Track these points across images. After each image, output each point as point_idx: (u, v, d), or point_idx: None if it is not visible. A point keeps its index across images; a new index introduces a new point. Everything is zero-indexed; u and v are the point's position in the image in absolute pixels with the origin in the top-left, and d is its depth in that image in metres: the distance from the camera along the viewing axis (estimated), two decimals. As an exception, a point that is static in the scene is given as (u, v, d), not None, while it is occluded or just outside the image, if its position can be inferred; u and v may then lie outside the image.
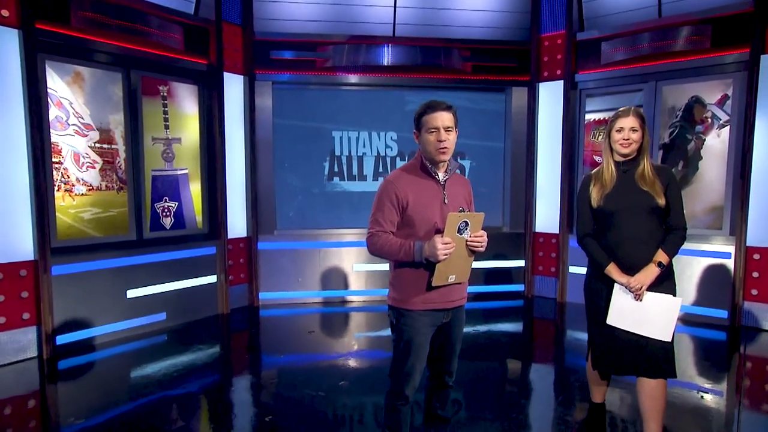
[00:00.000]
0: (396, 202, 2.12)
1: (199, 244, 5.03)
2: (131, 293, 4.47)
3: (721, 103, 4.72)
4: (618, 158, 2.46)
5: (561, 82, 5.58)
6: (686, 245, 4.80)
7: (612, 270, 2.43)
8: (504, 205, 6.02)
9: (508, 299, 5.82)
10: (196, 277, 5.01)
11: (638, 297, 2.39)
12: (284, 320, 5.21)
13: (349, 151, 5.76)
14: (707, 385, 3.52)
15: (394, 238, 2.14)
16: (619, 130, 2.40)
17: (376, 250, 2.17)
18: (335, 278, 5.69)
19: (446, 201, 2.17)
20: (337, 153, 5.74)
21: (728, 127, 4.69)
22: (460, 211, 2.18)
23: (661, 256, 2.36)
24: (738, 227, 4.61)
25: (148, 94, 4.57)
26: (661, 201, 2.37)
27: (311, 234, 5.64)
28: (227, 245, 5.22)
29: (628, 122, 2.38)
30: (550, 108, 5.71)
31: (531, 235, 5.91)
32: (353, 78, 5.61)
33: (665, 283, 2.42)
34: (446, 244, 2.02)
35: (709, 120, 4.79)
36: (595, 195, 2.47)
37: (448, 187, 2.21)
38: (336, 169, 5.76)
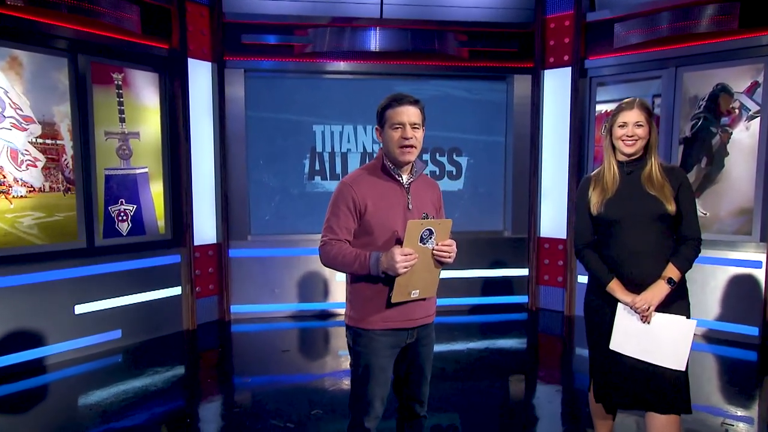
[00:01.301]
0: (353, 207, 2.03)
1: (161, 251, 4.75)
2: (80, 308, 4.18)
3: (750, 92, 4.45)
4: (621, 158, 2.27)
5: (569, 69, 5.31)
6: (711, 253, 4.65)
7: (615, 287, 2.24)
8: (505, 207, 5.75)
9: (510, 312, 5.55)
10: (158, 288, 4.73)
11: (645, 319, 2.21)
12: (257, 336, 4.95)
13: (332, 147, 5.49)
14: (734, 413, 3.29)
15: (349, 248, 2.02)
16: (622, 126, 2.23)
17: (329, 262, 2.04)
18: (316, 289, 5.42)
19: (410, 206, 2.07)
20: (319, 149, 5.47)
21: (758, 118, 4.42)
22: (424, 217, 2.03)
23: (671, 271, 2.18)
24: (770, 232, 4.34)
25: (100, 83, 4.30)
26: (671, 207, 2.18)
27: (290, 240, 5.37)
28: (194, 253, 4.94)
29: (632, 116, 2.20)
30: (556, 98, 5.44)
31: (535, 240, 5.63)
32: (336, 65, 5.33)
33: (677, 302, 2.23)
34: (406, 255, 1.89)
35: (737, 111, 4.52)
36: (594, 200, 2.28)
37: (414, 191, 2.10)
38: (317, 167, 5.49)
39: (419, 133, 2.03)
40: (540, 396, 3.69)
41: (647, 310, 2.18)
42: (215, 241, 5.20)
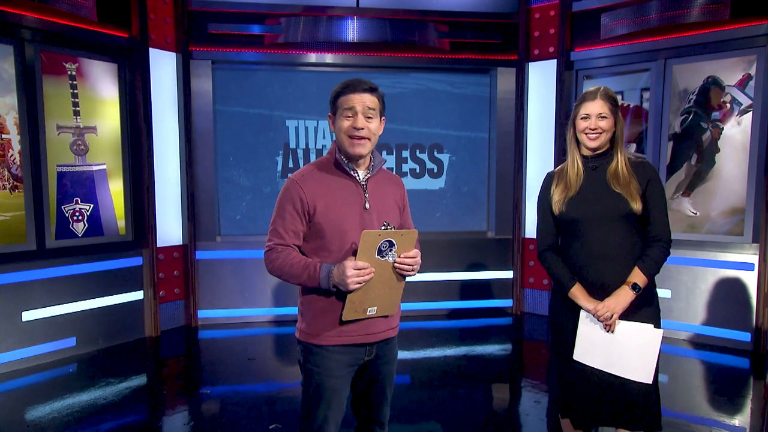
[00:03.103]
0: (300, 208, 1.84)
1: (121, 253, 4.53)
2: (28, 315, 3.95)
3: (742, 85, 4.30)
4: (586, 152, 2.15)
5: (554, 62, 5.14)
6: (701, 254, 4.50)
7: (577, 293, 2.11)
8: (489, 207, 5.57)
9: (493, 317, 5.37)
10: (118, 293, 4.51)
11: (609, 327, 2.08)
12: (225, 343, 4.74)
13: (307, 144, 5.29)
14: (724, 422, 3.17)
15: (298, 256, 1.83)
16: (585, 118, 2.11)
17: (274, 271, 1.85)
18: (289, 293, 5.21)
19: (368, 206, 1.87)
20: (292, 145, 5.27)
21: (751, 113, 4.27)
22: (384, 227, 1.81)
23: (636, 275, 2.06)
24: (762, 233, 4.18)
25: (51, 73, 4.07)
26: (637, 206, 2.04)
27: (262, 241, 5.07)
28: (157, 255, 4.73)
29: (595, 107, 2.08)
30: (541, 92, 5.27)
31: (520, 241, 5.45)
32: (310, 57, 5.14)
33: (644, 309, 2.10)
34: (359, 270, 1.73)
35: (728, 105, 4.37)
36: (556, 198, 2.16)
37: (372, 188, 1.90)
38: (291, 165, 5.28)
39: (374, 124, 1.85)
40: (522, 407, 3.52)
41: (610, 318, 2.06)
42: (181, 243, 4.98)
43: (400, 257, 1.79)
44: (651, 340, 2.05)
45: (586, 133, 2.10)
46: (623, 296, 2.04)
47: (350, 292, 1.75)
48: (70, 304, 4.20)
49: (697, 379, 3.96)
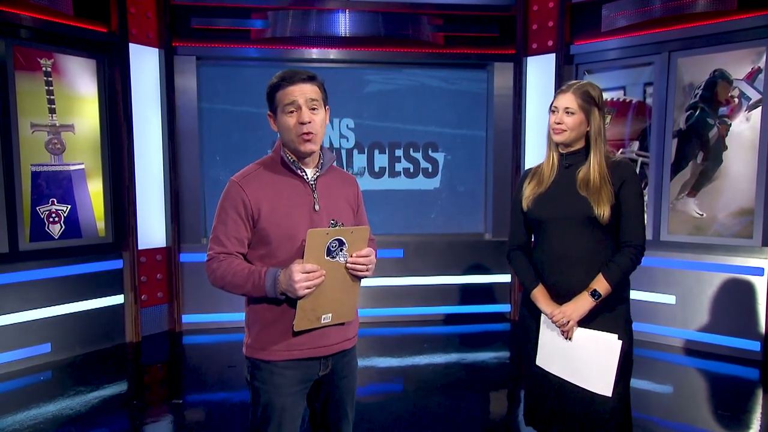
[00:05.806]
0: (243, 212, 1.71)
1: (100, 256, 4.39)
2: (-1, 320, 3.86)
3: (751, 78, 4.09)
4: (561, 149, 2.05)
5: (553, 56, 4.93)
6: (707, 258, 4.29)
7: (538, 296, 2.05)
8: (486, 208, 5.38)
9: (490, 322, 5.18)
10: (97, 297, 4.37)
11: (566, 334, 2.00)
12: (208, 350, 4.60)
13: (295, 142, 5.13)
14: None
15: (241, 263, 1.69)
16: (553, 111, 2.04)
17: (217, 281, 1.71)
18: (278, 297, 5.06)
19: (317, 207, 1.75)
20: (281, 144, 5.12)
21: (760, 108, 4.05)
22: (332, 225, 1.69)
23: (598, 282, 1.96)
24: (773, 236, 3.98)
25: (24, 69, 3.94)
26: (601, 211, 1.92)
27: (248, 243, 5.01)
28: (138, 257, 4.59)
29: (563, 101, 2.01)
30: (540, 87, 5.06)
31: (518, 243, 5.26)
32: (299, 52, 4.98)
33: (607, 318, 1.99)
34: (308, 273, 1.59)
35: (736, 100, 4.16)
36: (527, 193, 2.11)
37: (321, 188, 1.77)
38: (279, 164, 5.13)
39: (319, 116, 1.71)
40: (519, 417, 3.33)
41: (566, 325, 1.97)
42: (164, 245, 4.84)
43: (352, 257, 1.65)
44: (610, 351, 1.95)
45: (552, 127, 2.03)
46: (582, 303, 1.95)
47: (300, 298, 1.61)
48: (45, 308, 4.07)
49: (701, 391, 3.79)
